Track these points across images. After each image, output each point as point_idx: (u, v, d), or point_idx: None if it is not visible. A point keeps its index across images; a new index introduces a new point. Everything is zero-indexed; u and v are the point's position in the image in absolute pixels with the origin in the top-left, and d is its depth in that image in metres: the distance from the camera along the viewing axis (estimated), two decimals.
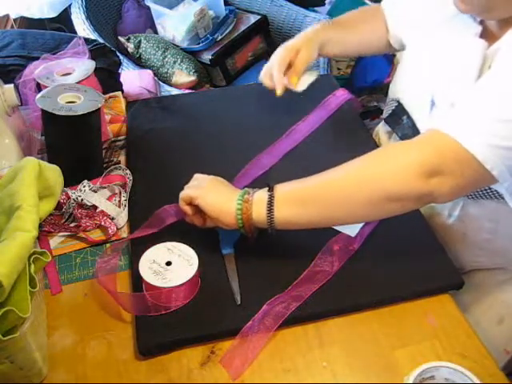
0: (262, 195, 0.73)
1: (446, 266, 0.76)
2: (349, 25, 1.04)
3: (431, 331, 0.71)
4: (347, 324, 0.72)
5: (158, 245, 0.75)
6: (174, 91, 1.74)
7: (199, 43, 1.94)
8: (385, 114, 1.03)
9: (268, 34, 2.05)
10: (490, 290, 0.91)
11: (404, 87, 0.98)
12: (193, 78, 1.84)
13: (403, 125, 0.96)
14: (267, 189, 0.74)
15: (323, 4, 2.25)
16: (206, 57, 1.91)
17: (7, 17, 1.87)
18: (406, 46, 0.98)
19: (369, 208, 0.70)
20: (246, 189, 0.75)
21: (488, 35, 0.79)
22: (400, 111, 0.96)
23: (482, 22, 0.80)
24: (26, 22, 1.90)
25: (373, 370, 0.67)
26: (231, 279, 0.75)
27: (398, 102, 0.97)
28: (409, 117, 0.94)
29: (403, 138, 0.96)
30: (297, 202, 0.72)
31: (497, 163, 0.65)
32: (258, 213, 0.72)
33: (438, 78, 0.86)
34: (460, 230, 0.89)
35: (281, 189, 0.73)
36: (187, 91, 1.77)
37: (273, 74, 0.96)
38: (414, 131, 0.92)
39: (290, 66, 0.97)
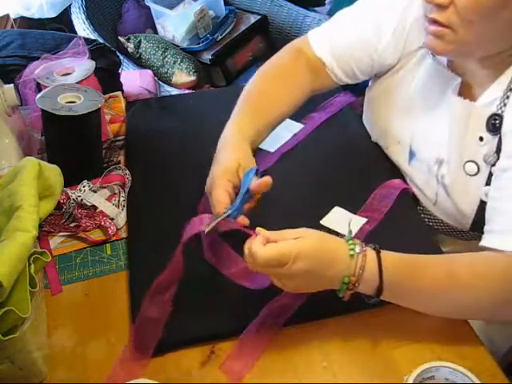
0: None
1: None
2: (269, 104, 0.87)
3: (431, 331, 0.70)
4: (347, 324, 0.72)
5: None
6: (174, 91, 1.74)
7: (199, 43, 1.94)
8: None
9: (268, 34, 2.05)
10: None
11: (377, 131, 0.97)
12: (193, 77, 1.84)
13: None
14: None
15: (323, 4, 2.25)
16: (206, 57, 1.91)
17: (7, 17, 1.88)
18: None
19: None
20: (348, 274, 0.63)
21: (467, 86, 0.78)
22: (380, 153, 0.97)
23: (457, 71, 0.79)
24: (26, 22, 1.90)
25: (373, 370, 0.67)
26: None
27: (376, 144, 0.98)
28: (388, 159, 0.94)
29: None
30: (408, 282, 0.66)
31: None
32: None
33: (415, 130, 0.86)
34: None
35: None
36: (187, 91, 1.77)
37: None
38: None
39: None
